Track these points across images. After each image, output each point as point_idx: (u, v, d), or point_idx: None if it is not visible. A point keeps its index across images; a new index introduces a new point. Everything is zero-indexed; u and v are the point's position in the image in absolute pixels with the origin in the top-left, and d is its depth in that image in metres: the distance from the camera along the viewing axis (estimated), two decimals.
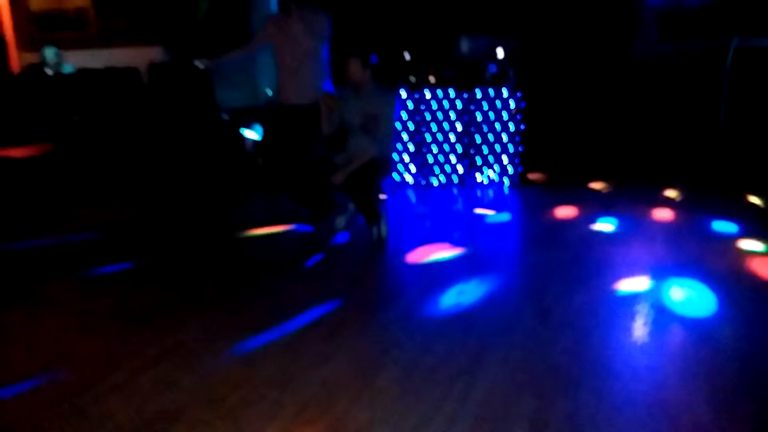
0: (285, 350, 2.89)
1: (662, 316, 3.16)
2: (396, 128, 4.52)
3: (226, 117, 7.84)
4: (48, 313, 3.46)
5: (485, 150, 6.16)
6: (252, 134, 7.41)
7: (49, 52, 7.15)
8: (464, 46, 6.70)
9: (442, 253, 4.29)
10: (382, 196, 5.27)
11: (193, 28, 7.89)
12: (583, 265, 3.95)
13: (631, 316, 3.16)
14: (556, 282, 3.65)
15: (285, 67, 4.62)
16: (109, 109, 7.06)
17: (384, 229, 4.50)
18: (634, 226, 4.79)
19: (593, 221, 4.93)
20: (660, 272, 3.77)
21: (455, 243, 4.49)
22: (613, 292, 3.49)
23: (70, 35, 8.04)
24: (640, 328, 3.02)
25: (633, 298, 3.39)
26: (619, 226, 4.78)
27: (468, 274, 3.84)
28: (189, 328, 3.17)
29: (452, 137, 6.17)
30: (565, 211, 5.25)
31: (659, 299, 3.37)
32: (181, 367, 2.76)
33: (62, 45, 7.31)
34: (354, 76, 4.34)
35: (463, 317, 3.20)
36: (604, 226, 4.80)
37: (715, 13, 6.55)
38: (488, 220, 5.12)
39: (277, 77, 4.72)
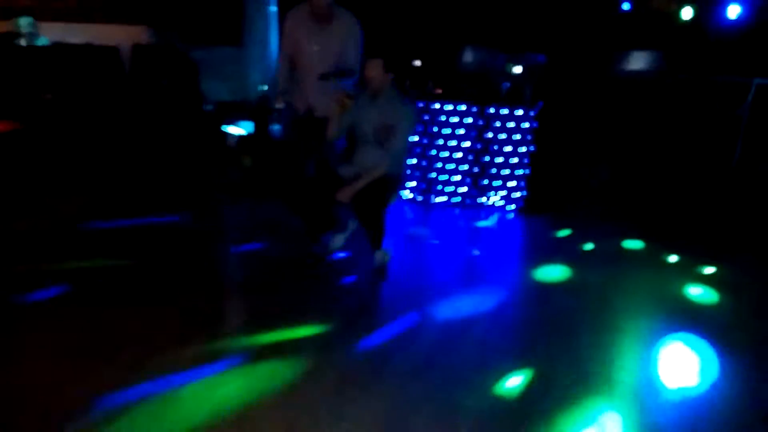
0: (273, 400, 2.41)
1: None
2: (410, 144, 4.04)
3: (210, 108, 7.31)
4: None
5: (493, 171, 5.73)
6: (237, 130, 6.89)
7: (24, 22, 6.54)
8: (473, 57, 6.29)
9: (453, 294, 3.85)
10: None
11: (182, 9, 7.32)
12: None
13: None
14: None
15: (310, 72, 4.12)
16: (85, 89, 6.46)
17: (387, 253, 4.04)
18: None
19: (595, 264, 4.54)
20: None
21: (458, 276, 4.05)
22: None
23: (47, 5, 7.39)
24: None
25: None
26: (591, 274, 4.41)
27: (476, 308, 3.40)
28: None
29: (458, 154, 5.72)
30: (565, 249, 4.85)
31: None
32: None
33: (38, 15, 6.70)
34: (373, 80, 3.84)
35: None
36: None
37: (739, 49, 6.28)
38: (486, 252, 4.70)
39: (297, 80, 4.18)
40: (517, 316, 3.50)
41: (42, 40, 6.54)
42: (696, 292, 4.04)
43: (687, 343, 3.23)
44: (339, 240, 4.33)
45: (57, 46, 6.57)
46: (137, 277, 3.62)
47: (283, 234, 4.62)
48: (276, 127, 6.93)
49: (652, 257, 4.73)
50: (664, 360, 3.01)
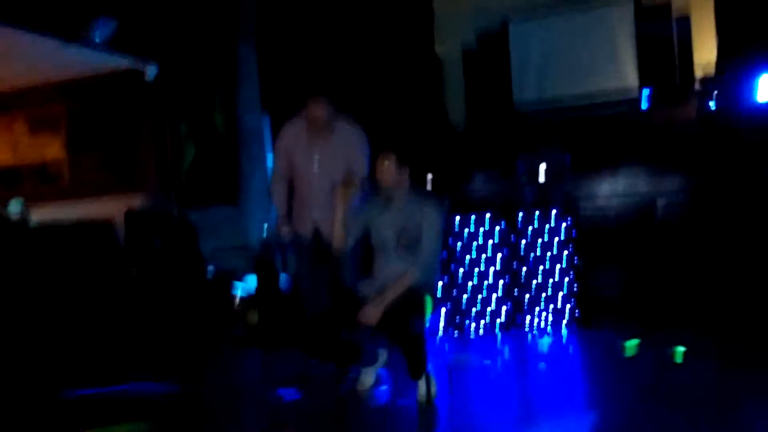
0: None
1: None
2: (439, 248, 3.44)
3: (212, 270, 6.84)
4: None
5: (533, 288, 5.00)
6: (239, 289, 6.36)
7: (14, 206, 6.27)
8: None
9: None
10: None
11: (178, 175, 7.11)
12: None
13: None
14: None
15: (312, 195, 3.65)
16: (75, 264, 6.04)
17: (433, 384, 3.26)
18: None
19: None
20: None
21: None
22: None
23: (40, 188, 7.19)
24: None
25: None
26: None
27: None
28: None
29: (490, 273, 5.05)
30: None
31: None
32: None
33: (30, 199, 6.45)
34: (386, 179, 3.32)
35: None
36: None
37: None
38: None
39: (298, 205, 3.71)
40: None
41: (33, 222, 6.24)
42: None
43: None
44: (369, 375, 3.54)
45: (47, 226, 6.25)
46: None
47: (305, 382, 3.83)
48: (283, 278, 6.39)
49: None
50: None
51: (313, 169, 3.57)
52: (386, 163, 3.31)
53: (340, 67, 3.58)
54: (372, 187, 3.45)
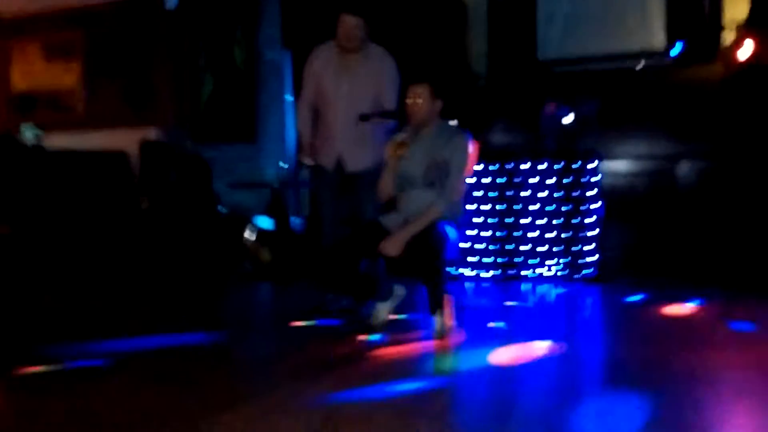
0: None
1: None
2: (465, 183, 3.39)
3: (223, 210, 6.82)
4: None
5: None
6: (254, 227, 6.34)
7: (28, 131, 6.22)
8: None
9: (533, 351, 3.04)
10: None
11: (195, 109, 7.02)
12: None
13: None
14: None
15: (339, 119, 3.58)
16: (89, 193, 6.04)
17: (451, 319, 3.27)
18: None
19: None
20: None
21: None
22: None
23: (54, 116, 7.12)
24: None
25: None
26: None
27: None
28: None
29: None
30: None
31: None
32: None
33: (45, 126, 6.39)
34: (418, 111, 3.26)
35: None
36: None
37: None
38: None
39: (322, 133, 3.66)
40: None
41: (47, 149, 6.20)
42: None
43: None
44: (384, 311, 3.55)
45: (62, 152, 6.21)
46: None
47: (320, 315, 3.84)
48: (296, 221, 6.38)
49: None
50: None
51: (340, 97, 3.52)
52: (420, 93, 3.25)
53: (363, 9, 3.51)
54: (401, 119, 3.40)
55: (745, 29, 5.99)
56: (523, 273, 5.00)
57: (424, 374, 2.77)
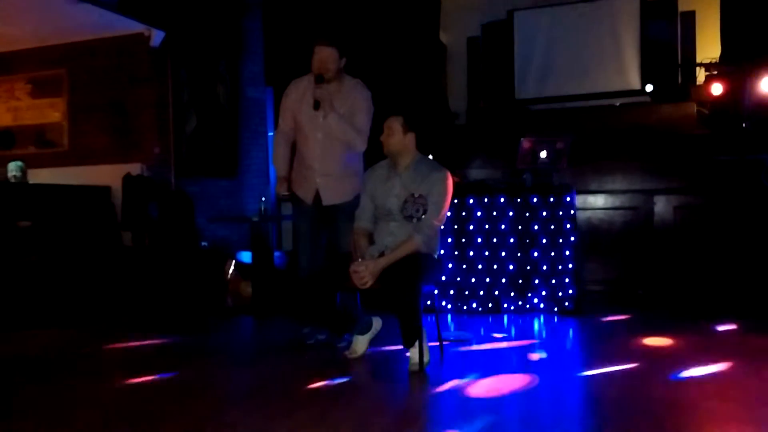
0: None
1: None
2: (444, 217, 3.43)
3: (205, 244, 6.83)
4: None
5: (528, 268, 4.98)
6: (234, 262, 6.35)
7: (13, 167, 6.26)
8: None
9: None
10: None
11: (179, 145, 7.08)
12: None
13: None
14: None
15: (315, 150, 3.62)
16: (70, 224, 6.05)
17: (426, 353, 3.28)
18: None
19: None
20: None
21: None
22: None
23: (39, 152, 7.14)
24: None
25: None
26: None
27: None
28: None
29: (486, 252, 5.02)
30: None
31: None
32: None
33: (28, 162, 6.43)
34: (391, 144, 3.33)
35: None
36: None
37: None
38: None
39: (299, 164, 3.70)
40: None
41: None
42: None
43: None
44: (362, 343, 3.57)
45: (45, 186, 6.25)
46: None
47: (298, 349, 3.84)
48: (277, 254, 6.41)
49: None
50: None
51: (316, 127, 3.56)
52: (391, 126, 3.31)
53: (345, 47, 3.59)
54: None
55: (717, 68, 6.21)
56: (501, 306, 5.04)
57: (396, 409, 2.78)
